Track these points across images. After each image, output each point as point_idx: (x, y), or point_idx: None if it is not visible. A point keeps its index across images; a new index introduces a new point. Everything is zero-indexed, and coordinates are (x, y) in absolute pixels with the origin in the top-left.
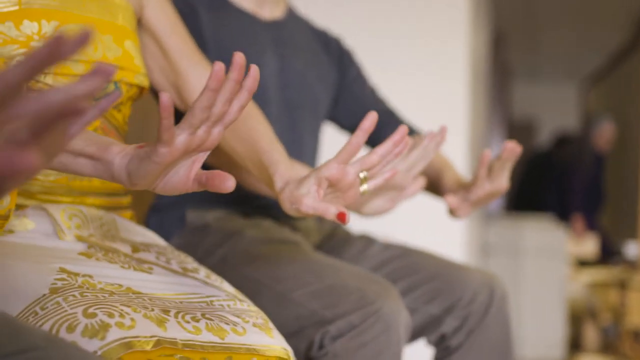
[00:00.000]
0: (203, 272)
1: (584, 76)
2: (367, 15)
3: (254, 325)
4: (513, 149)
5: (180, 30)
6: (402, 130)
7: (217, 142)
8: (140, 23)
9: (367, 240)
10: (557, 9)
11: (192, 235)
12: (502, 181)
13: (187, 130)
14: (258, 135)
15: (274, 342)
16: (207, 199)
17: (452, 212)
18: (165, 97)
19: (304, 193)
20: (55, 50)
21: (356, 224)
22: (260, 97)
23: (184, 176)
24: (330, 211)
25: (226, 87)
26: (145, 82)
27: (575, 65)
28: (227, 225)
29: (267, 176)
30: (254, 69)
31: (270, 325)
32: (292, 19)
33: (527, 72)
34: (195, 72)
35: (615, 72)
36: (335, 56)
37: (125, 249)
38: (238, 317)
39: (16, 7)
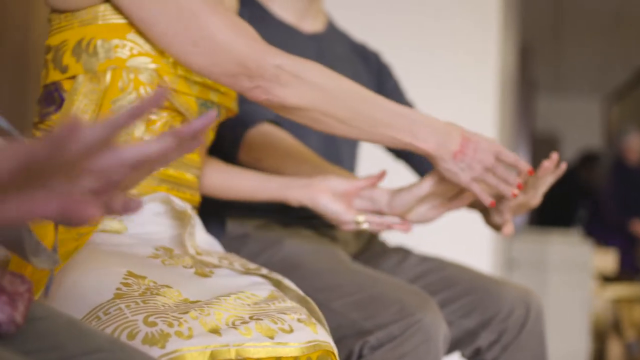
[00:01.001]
0: (265, 270)
1: (608, 91)
2: (399, 30)
3: (299, 320)
4: (548, 167)
5: None
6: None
7: None
8: None
9: (403, 253)
10: (584, 23)
11: (231, 244)
12: (536, 195)
13: None
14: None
15: (319, 337)
16: (247, 207)
17: (497, 228)
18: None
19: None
20: (138, 113)
21: (384, 236)
22: None
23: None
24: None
25: None
26: (236, 109)
27: (600, 79)
28: (267, 234)
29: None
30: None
31: (313, 320)
32: (332, 32)
33: (552, 85)
34: None
35: (637, 89)
36: (374, 69)
37: (191, 250)
38: (284, 313)
39: None
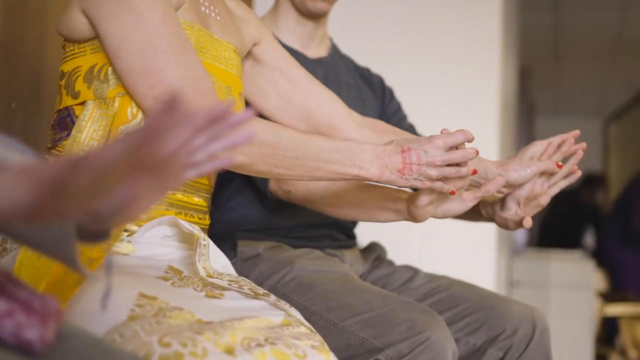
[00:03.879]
0: (273, 297)
1: (608, 112)
2: (400, 53)
3: (312, 347)
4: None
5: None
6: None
7: None
8: (253, 58)
9: (411, 271)
10: (582, 45)
11: (243, 265)
12: (547, 194)
13: None
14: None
15: None
16: (258, 229)
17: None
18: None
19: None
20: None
21: (390, 257)
22: None
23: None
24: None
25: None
26: None
27: (598, 101)
28: (278, 255)
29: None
30: None
31: (326, 347)
32: (337, 56)
33: (551, 107)
34: (321, 91)
35: (636, 109)
36: (379, 92)
37: (202, 272)
38: (298, 339)
39: None
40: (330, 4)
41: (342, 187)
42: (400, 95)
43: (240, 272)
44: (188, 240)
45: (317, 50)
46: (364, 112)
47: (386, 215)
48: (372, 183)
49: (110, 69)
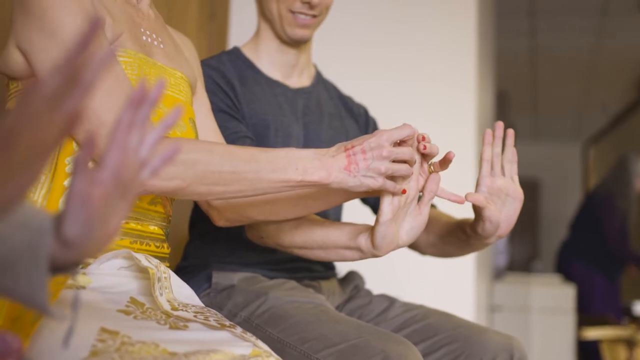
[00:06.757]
0: (239, 328)
1: (586, 136)
2: (376, 76)
3: None
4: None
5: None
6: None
7: None
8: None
9: (387, 301)
10: (558, 70)
11: (217, 296)
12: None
13: None
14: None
15: None
16: (233, 260)
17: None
18: None
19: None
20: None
21: (370, 284)
22: None
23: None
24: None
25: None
26: None
27: (576, 125)
28: (252, 286)
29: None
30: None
31: None
32: (320, 85)
33: (530, 131)
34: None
35: (616, 132)
36: (362, 122)
37: (166, 305)
38: None
39: None
40: (310, 30)
41: (309, 228)
42: (377, 120)
43: (214, 303)
44: (145, 270)
45: (299, 80)
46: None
47: (353, 254)
48: (340, 222)
49: None
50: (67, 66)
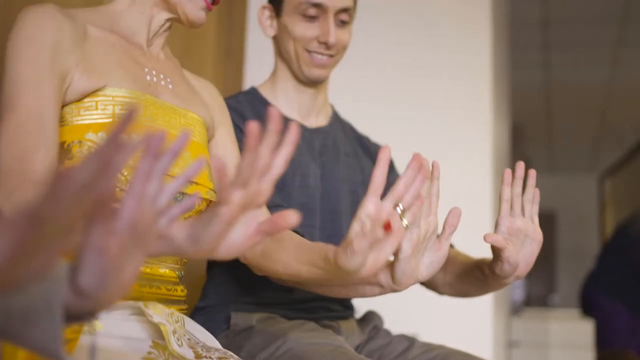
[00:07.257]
0: None
1: (602, 169)
2: (390, 115)
3: None
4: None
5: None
6: (416, 156)
7: (267, 195)
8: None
9: (407, 341)
10: (573, 102)
11: (236, 337)
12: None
13: (239, 187)
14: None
15: None
16: (251, 301)
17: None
18: (219, 162)
19: (352, 237)
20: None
21: (389, 323)
22: (305, 207)
23: (243, 234)
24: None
25: (267, 139)
26: (214, 197)
27: (592, 157)
28: (271, 327)
29: (333, 264)
30: (294, 124)
31: None
32: (336, 125)
33: (546, 163)
34: None
35: (632, 164)
36: None
37: (189, 354)
38: None
39: (110, 120)
40: (327, 70)
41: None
42: (393, 155)
43: (232, 345)
44: (157, 309)
45: (316, 120)
46: (363, 180)
47: (373, 290)
48: None
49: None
50: (102, 154)
